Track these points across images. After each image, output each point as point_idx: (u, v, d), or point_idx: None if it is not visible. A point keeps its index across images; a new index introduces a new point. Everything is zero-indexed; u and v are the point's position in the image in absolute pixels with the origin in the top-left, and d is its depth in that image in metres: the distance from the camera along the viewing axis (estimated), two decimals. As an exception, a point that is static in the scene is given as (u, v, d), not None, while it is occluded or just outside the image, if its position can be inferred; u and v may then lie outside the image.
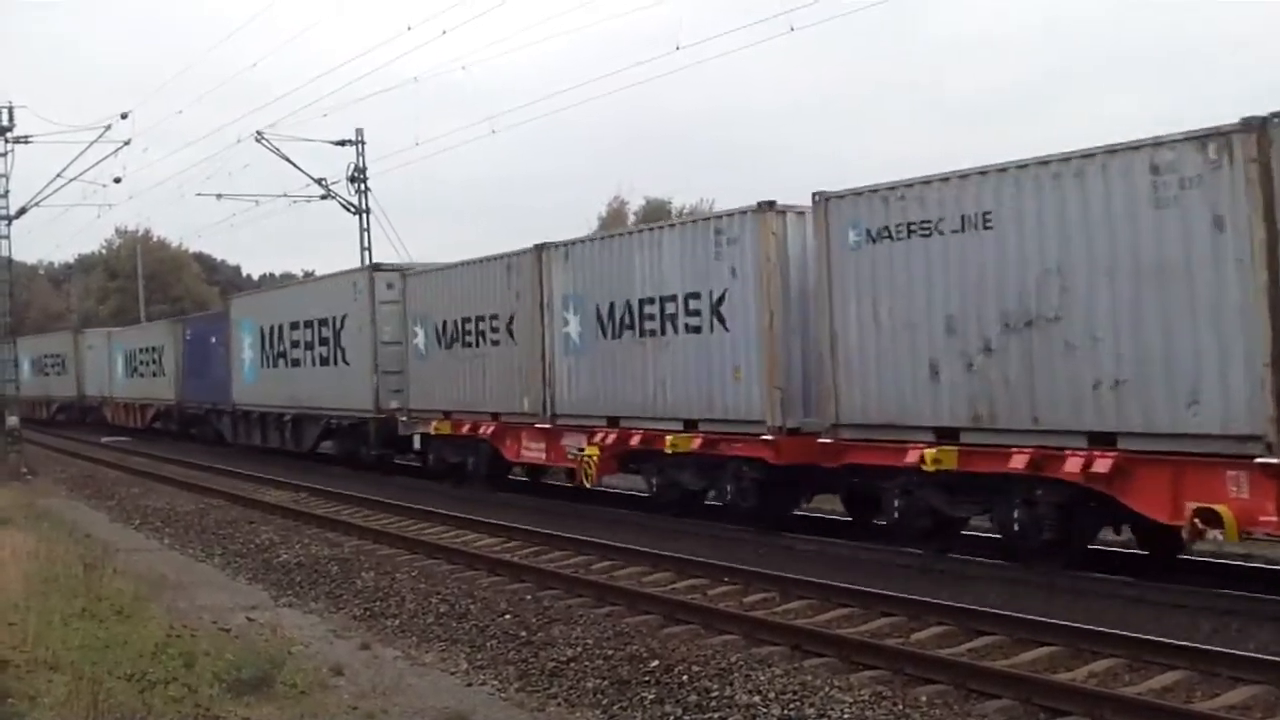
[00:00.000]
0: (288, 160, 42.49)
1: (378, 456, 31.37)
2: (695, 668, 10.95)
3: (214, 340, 43.17)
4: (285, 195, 45.67)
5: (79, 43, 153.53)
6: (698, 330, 19.84)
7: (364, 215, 43.74)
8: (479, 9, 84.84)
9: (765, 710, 9.84)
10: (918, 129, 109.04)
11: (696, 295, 19.81)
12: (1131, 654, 11.14)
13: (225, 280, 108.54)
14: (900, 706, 9.78)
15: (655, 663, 11.21)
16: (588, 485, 22.33)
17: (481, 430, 25.58)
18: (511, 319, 24.62)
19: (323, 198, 44.25)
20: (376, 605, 15.11)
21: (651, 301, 20.81)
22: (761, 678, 10.60)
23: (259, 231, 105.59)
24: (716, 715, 9.89)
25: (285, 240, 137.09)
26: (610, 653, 11.75)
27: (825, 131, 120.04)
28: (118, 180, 41.46)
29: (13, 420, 38.28)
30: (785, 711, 9.79)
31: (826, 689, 10.23)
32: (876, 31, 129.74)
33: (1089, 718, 9.53)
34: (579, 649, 12.03)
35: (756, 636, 12.52)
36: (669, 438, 20.10)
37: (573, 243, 23.75)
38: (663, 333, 20.58)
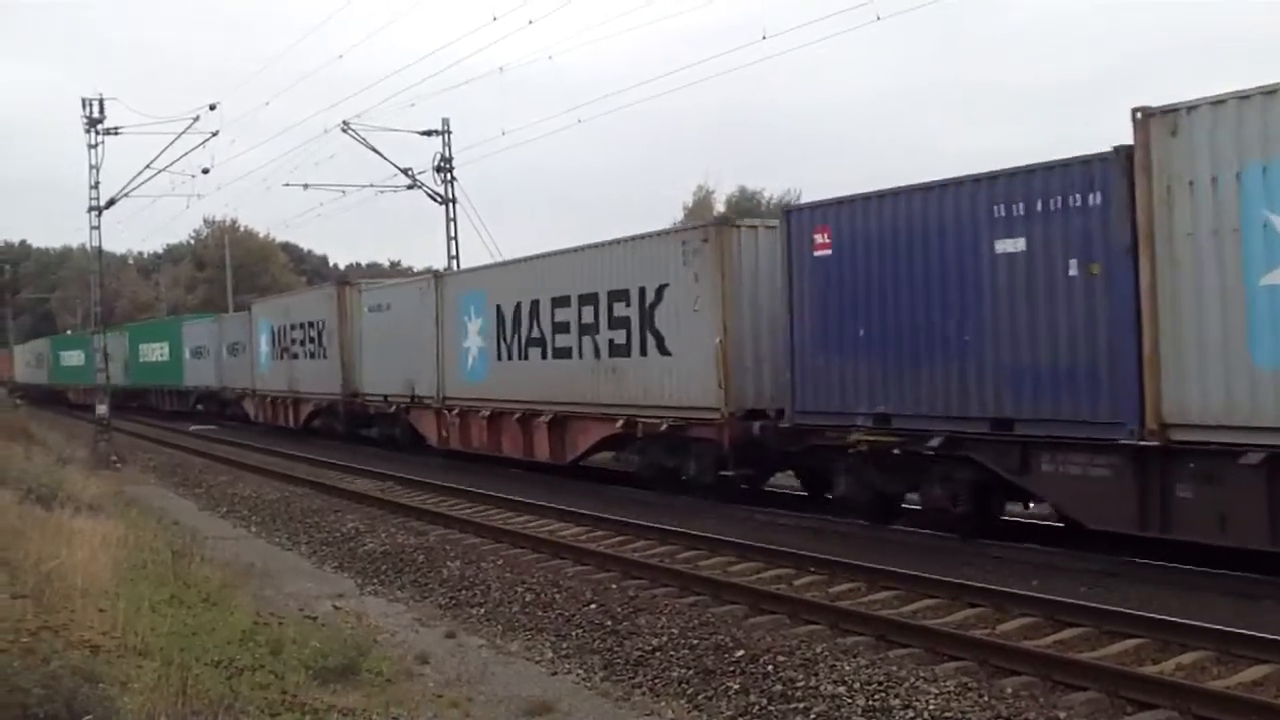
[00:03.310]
0: (374, 150, 42.74)
1: None
2: (780, 658, 10.93)
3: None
4: (372, 185, 46.12)
5: (167, 36, 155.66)
6: None
7: (450, 205, 43.93)
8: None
9: (850, 701, 9.80)
10: (990, 119, 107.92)
11: None
12: (1220, 647, 10.96)
13: (312, 270, 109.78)
14: (986, 698, 9.69)
15: (740, 652, 11.20)
16: None
17: None
18: None
19: (409, 188, 44.53)
20: (462, 594, 15.21)
21: None
22: (847, 668, 10.55)
23: (345, 222, 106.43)
24: (801, 705, 9.87)
25: (372, 230, 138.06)
26: (695, 642, 11.74)
27: (908, 122, 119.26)
28: (206, 171, 42.22)
29: (101, 409, 38.95)
30: (870, 702, 9.74)
31: (912, 680, 10.16)
32: (959, 18, 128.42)
33: (1176, 711, 9.40)
34: (664, 638, 12.03)
35: (842, 627, 12.45)
36: None
37: None
38: None
